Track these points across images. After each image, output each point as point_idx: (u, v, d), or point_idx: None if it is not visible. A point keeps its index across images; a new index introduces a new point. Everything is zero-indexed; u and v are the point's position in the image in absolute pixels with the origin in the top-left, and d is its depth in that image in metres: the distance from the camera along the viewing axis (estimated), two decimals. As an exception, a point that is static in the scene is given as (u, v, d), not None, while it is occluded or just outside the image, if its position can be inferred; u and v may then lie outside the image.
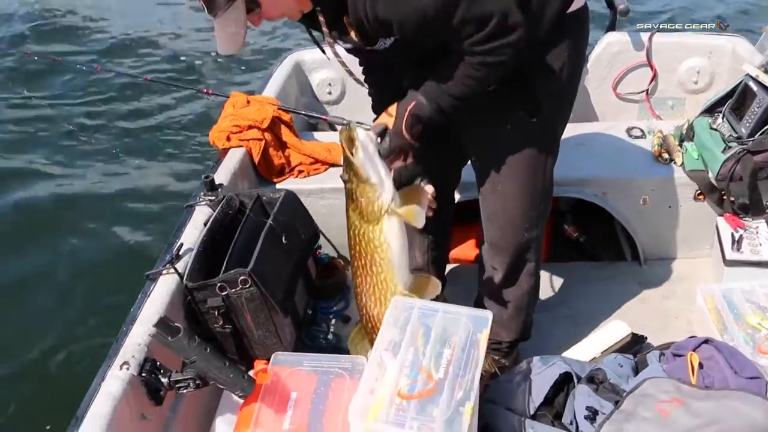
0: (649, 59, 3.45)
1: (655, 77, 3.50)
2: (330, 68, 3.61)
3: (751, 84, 2.70)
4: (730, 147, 2.66)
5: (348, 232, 1.81)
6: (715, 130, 2.79)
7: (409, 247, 2.35)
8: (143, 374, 1.76)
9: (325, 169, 2.96)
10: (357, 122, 1.98)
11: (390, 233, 1.75)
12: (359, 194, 1.72)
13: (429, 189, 1.83)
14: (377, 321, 1.82)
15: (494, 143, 2.03)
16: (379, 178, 1.71)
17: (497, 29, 1.61)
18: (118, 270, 3.67)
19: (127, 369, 1.75)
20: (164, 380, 1.78)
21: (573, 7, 1.89)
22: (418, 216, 1.74)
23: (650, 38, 3.43)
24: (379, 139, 1.80)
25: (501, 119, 1.99)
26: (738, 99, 2.76)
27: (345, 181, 1.75)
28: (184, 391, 1.77)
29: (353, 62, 1.99)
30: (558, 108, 2.05)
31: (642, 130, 3.08)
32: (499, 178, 2.07)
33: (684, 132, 2.96)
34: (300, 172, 2.94)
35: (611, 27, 3.56)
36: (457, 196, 2.68)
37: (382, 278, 1.79)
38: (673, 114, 3.53)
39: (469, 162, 2.24)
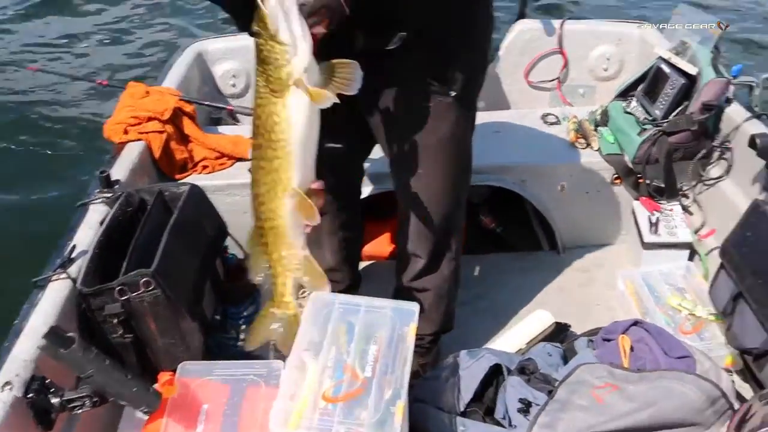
0: (561, 47, 3.45)
1: (566, 65, 3.50)
2: (234, 59, 3.43)
3: (663, 66, 2.71)
4: (645, 129, 2.66)
5: (254, 101, 1.56)
6: (630, 113, 2.79)
7: (318, 246, 2.19)
8: (29, 395, 1.55)
9: (231, 164, 2.78)
10: None
11: (295, 110, 1.48)
12: (267, 52, 1.45)
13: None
14: (264, 219, 1.61)
15: (412, 121, 1.90)
16: (292, 37, 1.43)
17: None
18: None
19: (10, 390, 1.53)
20: (55, 400, 1.57)
21: None
22: (326, 101, 1.48)
23: (561, 25, 3.43)
24: None
25: (419, 94, 1.87)
26: (651, 82, 2.77)
27: (254, 34, 1.47)
28: (79, 411, 1.58)
29: None
30: (476, 77, 1.96)
31: (556, 117, 3.05)
32: (419, 158, 1.95)
33: (599, 117, 2.95)
34: (204, 167, 2.75)
35: (521, 14, 3.54)
36: (367, 191, 2.56)
37: (275, 166, 1.54)
38: (584, 102, 3.53)
39: (381, 151, 2.10)
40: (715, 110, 2.58)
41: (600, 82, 3.53)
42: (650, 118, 2.67)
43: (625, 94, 2.91)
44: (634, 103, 2.81)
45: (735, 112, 2.60)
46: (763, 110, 2.58)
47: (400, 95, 1.87)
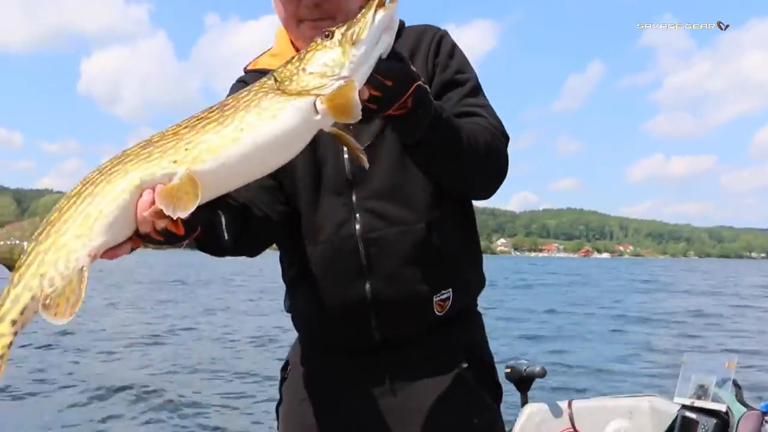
0: (574, 425, 3.41)
1: (583, 445, 3.42)
2: None
3: (688, 414, 2.70)
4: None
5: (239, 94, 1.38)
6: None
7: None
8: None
9: None
10: None
11: (292, 118, 1.31)
12: (323, 51, 1.33)
13: None
14: (90, 183, 1.34)
15: None
16: (362, 59, 1.33)
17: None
18: None
19: None
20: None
21: None
22: (352, 112, 1.29)
23: (569, 404, 3.45)
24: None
25: (470, 408, 1.72)
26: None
27: (326, 34, 1.35)
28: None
29: None
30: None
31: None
32: None
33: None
34: None
35: (525, 399, 3.56)
36: None
37: (199, 136, 1.32)
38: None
39: None
40: (759, 447, 2.50)
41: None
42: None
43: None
44: (671, 459, 2.71)
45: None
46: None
47: (453, 412, 1.70)
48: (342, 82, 1.31)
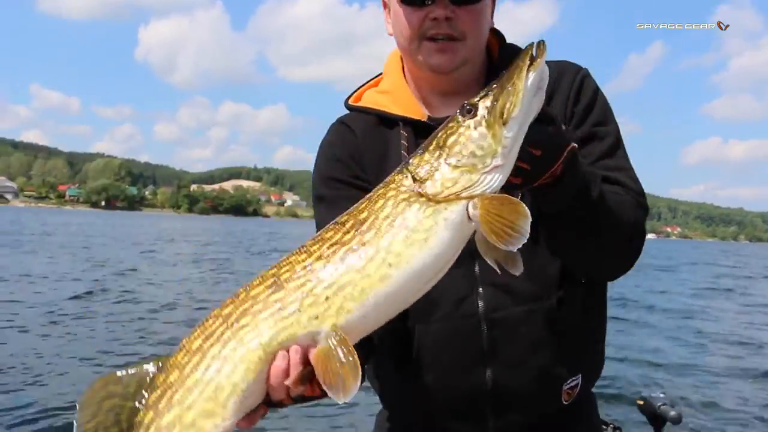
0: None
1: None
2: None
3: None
4: None
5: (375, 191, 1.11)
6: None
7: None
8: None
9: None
10: None
11: (446, 232, 1.02)
12: (466, 140, 1.03)
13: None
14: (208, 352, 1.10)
15: None
16: (518, 135, 1.04)
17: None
18: None
19: None
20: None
21: None
22: (514, 242, 1.02)
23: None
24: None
25: None
26: None
27: (466, 109, 1.08)
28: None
29: None
30: None
31: None
32: None
33: None
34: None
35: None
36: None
37: (341, 278, 1.04)
38: None
39: None
40: None
41: None
42: None
43: None
44: None
45: None
46: None
47: None
48: (498, 175, 1.04)
